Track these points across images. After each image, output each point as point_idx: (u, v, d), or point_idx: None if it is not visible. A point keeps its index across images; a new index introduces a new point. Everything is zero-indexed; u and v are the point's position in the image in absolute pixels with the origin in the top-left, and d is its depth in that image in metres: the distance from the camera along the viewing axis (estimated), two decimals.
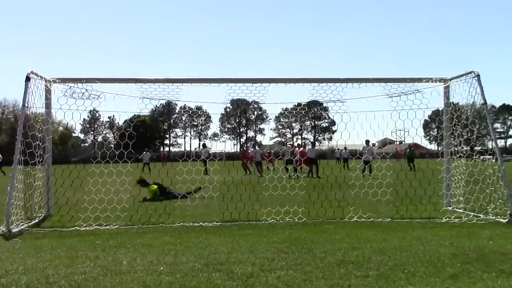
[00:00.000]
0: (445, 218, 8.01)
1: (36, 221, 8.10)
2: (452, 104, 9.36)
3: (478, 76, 8.29)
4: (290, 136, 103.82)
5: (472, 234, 6.53)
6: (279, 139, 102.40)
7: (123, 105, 9.54)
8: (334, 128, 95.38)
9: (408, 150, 27.51)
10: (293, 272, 4.49)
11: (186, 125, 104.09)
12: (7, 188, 7.32)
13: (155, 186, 11.55)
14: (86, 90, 8.90)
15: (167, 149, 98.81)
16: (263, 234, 6.59)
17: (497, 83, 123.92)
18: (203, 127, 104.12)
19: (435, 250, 5.41)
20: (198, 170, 9.40)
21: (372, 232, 6.79)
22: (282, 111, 70.01)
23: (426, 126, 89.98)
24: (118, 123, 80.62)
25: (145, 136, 79.96)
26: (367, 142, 18.93)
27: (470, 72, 8.48)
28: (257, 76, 9.13)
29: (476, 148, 9.73)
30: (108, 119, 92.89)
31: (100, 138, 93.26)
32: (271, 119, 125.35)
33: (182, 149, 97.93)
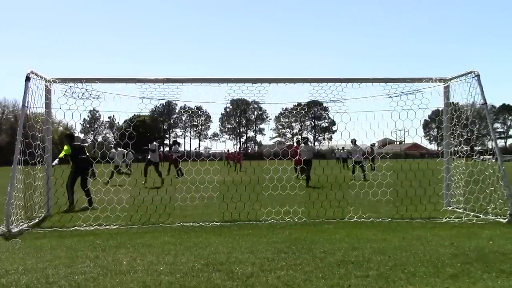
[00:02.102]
0: (445, 218, 8.01)
1: (36, 221, 8.10)
2: (452, 104, 9.36)
3: (478, 76, 8.29)
4: (290, 136, 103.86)
5: (472, 234, 6.53)
6: (279, 139, 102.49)
7: (123, 105, 9.53)
8: (334, 128, 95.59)
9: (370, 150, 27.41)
10: (293, 272, 4.49)
11: (186, 125, 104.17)
12: (7, 188, 7.32)
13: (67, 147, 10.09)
14: (86, 90, 8.89)
15: (165, 149, 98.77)
16: (263, 234, 6.59)
17: (497, 83, 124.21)
18: (203, 127, 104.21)
19: (435, 250, 5.41)
20: (198, 170, 9.39)
21: (372, 232, 6.79)
22: (282, 111, 70.18)
23: (426, 126, 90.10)
24: (118, 123, 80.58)
25: (145, 136, 79.93)
26: (354, 142, 18.41)
27: (470, 72, 8.48)
28: (257, 76, 9.12)
29: (476, 148, 9.73)
30: (108, 119, 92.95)
31: (100, 138, 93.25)
32: (271, 119, 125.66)
33: (182, 149, 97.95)
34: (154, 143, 16.96)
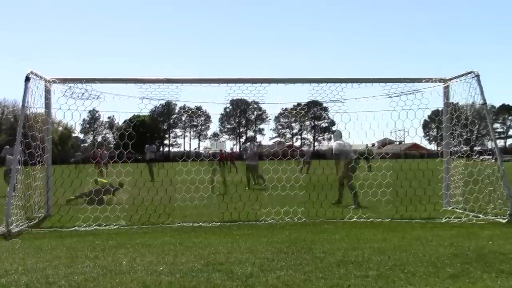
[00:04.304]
0: (445, 218, 8.01)
1: (36, 221, 8.10)
2: (451, 104, 9.37)
3: (478, 76, 8.30)
4: (290, 136, 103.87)
5: (472, 234, 6.53)
6: (278, 139, 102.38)
7: (123, 105, 9.53)
8: (334, 128, 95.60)
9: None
10: (293, 272, 4.49)
11: (186, 125, 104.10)
12: (7, 188, 7.32)
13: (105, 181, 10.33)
14: (86, 90, 8.90)
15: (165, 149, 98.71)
16: (263, 234, 6.59)
17: (497, 83, 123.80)
18: (202, 127, 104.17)
19: (435, 250, 5.41)
20: (198, 170, 9.39)
21: (372, 232, 6.79)
22: (282, 111, 70.01)
23: (426, 126, 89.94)
24: (118, 123, 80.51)
25: (145, 136, 79.91)
26: (251, 140, 17.15)
27: (470, 72, 8.49)
28: (257, 76, 9.13)
29: (475, 148, 9.74)
30: (108, 119, 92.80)
31: (100, 138, 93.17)
32: (270, 119, 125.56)
33: (182, 149, 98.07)
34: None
